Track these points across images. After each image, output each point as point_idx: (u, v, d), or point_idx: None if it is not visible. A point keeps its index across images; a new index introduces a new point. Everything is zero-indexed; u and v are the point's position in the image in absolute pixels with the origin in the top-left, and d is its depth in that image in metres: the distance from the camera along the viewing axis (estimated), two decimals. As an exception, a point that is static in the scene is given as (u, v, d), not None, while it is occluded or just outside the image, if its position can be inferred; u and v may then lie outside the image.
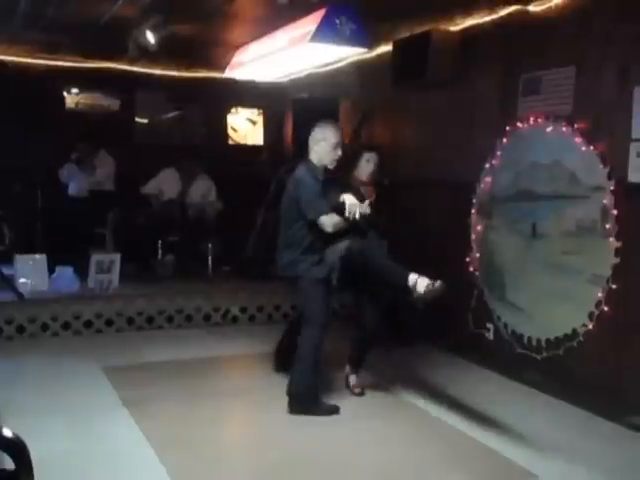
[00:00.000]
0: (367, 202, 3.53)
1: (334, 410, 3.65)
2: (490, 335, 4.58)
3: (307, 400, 3.63)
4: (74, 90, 7.15)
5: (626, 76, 3.61)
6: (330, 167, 3.69)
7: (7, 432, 1.32)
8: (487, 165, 4.61)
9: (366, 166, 4.13)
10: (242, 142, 7.94)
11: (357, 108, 6.13)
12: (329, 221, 3.56)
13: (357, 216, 3.41)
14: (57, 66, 6.73)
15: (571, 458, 3.18)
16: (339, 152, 3.65)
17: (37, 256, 5.46)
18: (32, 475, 1.32)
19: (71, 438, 3.28)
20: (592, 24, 3.81)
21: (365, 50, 4.82)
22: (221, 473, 2.98)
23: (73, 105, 7.17)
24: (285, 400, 3.86)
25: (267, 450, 3.21)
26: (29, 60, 6.60)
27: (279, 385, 4.11)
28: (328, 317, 3.66)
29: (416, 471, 3.01)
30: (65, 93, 7.12)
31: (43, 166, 6.34)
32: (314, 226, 3.59)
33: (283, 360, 4.11)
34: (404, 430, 3.48)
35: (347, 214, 3.42)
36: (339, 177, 3.85)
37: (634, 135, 3.55)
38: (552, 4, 4.05)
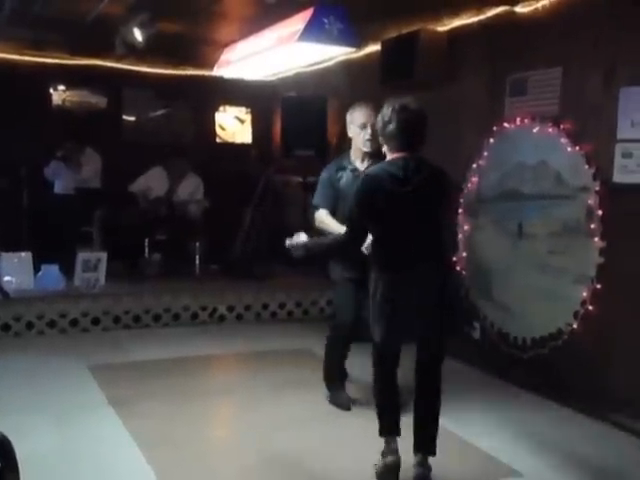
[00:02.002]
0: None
1: (343, 404, 3.65)
2: (476, 334, 4.61)
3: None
4: (61, 87, 7.09)
5: (612, 77, 3.65)
6: (365, 149, 3.53)
7: (-8, 431, 1.32)
8: (474, 165, 4.64)
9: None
10: (230, 140, 7.92)
11: (345, 107, 6.12)
12: (318, 219, 3.57)
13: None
14: (44, 63, 6.68)
15: (556, 456, 3.21)
16: (369, 132, 3.45)
17: (22, 254, 5.42)
18: (18, 473, 1.32)
19: (57, 437, 3.26)
20: (579, 26, 3.85)
21: (353, 49, 4.83)
22: (207, 472, 2.98)
23: (60, 102, 7.11)
24: (272, 399, 3.87)
25: (254, 449, 3.21)
26: (15, 57, 6.54)
27: (266, 384, 4.12)
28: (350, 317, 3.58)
29: (402, 470, 3.03)
30: (52, 90, 7.07)
31: (29, 163, 6.28)
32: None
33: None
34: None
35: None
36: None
37: (619, 136, 3.58)
38: (539, 5, 4.08)
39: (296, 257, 3.20)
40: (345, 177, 3.58)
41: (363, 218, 2.82)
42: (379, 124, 2.85)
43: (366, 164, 3.56)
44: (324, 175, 3.63)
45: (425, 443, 2.84)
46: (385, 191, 2.73)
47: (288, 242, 3.17)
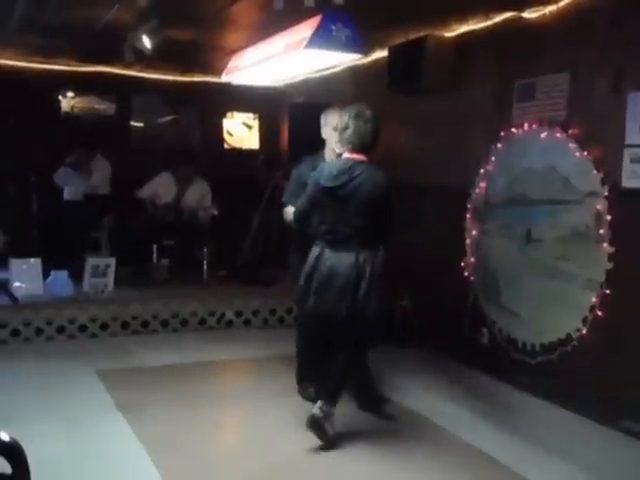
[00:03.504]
0: None
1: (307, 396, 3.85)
2: (485, 339, 4.59)
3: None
4: (70, 94, 7.14)
5: (620, 82, 3.64)
6: (338, 150, 3.61)
7: (4, 436, 1.32)
8: (482, 170, 4.64)
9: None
10: (238, 146, 7.94)
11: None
12: (286, 213, 3.73)
13: None
14: (53, 70, 6.73)
15: (565, 463, 3.19)
16: None
17: (32, 260, 5.44)
18: (29, 478, 1.32)
19: (66, 442, 3.27)
20: (586, 31, 3.84)
21: (360, 56, 4.84)
22: (214, 477, 2.99)
23: (68, 109, 7.16)
24: (279, 405, 3.87)
25: (261, 455, 3.21)
26: (25, 64, 6.59)
27: (273, 390, 4.12)
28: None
29: (407, 474, 3.02)
30: (60, 97, 7.11)
31: (38, 170, 6.32)
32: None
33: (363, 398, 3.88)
34: (397, 436, 3.48)
35: None
36: None
37: (628, 141, 3.57)
38: (546, 11, 4.08)
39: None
40: None
41: (308, 202, 3.41)
42: (338, 128, 3.35)
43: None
44: (294, 173, 3.78)
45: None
46: (322, 184, 3.30)
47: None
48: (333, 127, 3.61)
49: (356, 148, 3.28)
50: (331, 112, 3.68)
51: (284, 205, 3.80)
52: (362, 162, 3.29)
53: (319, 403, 3.27)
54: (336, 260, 3.26)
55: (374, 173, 3.30)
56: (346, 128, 3.26)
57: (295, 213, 3.50)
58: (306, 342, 3.87)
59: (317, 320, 3.48)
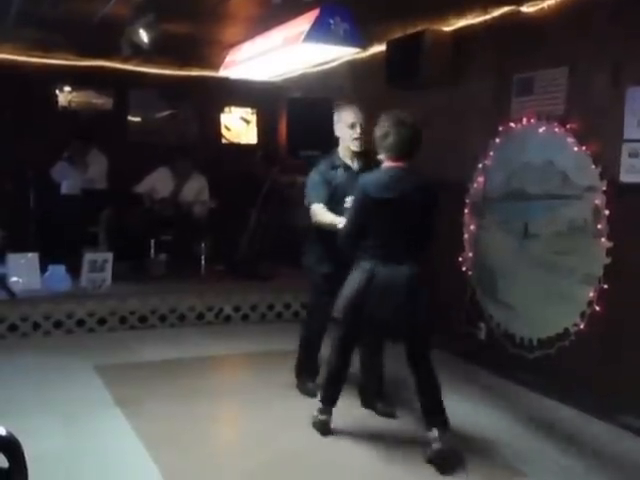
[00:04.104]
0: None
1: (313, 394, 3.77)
2: (482, 334, 4.60)
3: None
4: (67, 88, 7.11)
5: (618, 77, 3.64)
6: (354, 148, 3.58)
7: (1, 430, 1.32)
8: (480, 165, 4.63)
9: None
10: (236, 141, 7.93)
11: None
12: (314, 214, 3.59)
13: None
14: (50, 64, 6.70)
15: (561, 457, 3.20)
16: (357, 131, 3.54)
17: (29, 255, 5.43)
18: (26, 473, 1.32)
19: (64, 436, 3.27)
20: (585, 25, 3.84)
21: (359, 50, 4.83)
22: (213, 472, 2.99)
23: (66, 103, 7.14)
24: (277, 399, 3.87)
25: (259, 449, 3.21)
26: (22, 58, 6.57)
27: (271, 385, 4.12)
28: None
29: (408, 470, 3.02)
30: (58, 91, 7.09)
31: (35, 164, 6.30)
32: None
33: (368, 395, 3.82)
34: (397, 428, 3.49)
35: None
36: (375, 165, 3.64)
37: (626, 135, 3.57)
38: (545, 5, 4.07)
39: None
40: (340, 175, 3.61)
41: (358, 220, 3.16)
42: (377, 135, 3.14)
43: (356, 163, 3.62)
44: (315, 176, 3.62)
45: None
46: (374, 197, 3.07)
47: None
48: (348, 124, 3.55)
49: (399, 155, 3.11)
50: (345, 109, 3.61)
51: (308, 205, 3.66)
52: (406, 169, 3.14)
53: (437, 434, 3.06)
54: (390, 275, 3.06)
55: (421, 180, 3.18)
56: (387, 135, 3.09)
57: (343, 236, 3.23)
58: (337, 352, 3.58)
59: (369, 336, 3.46)
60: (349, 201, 3.30)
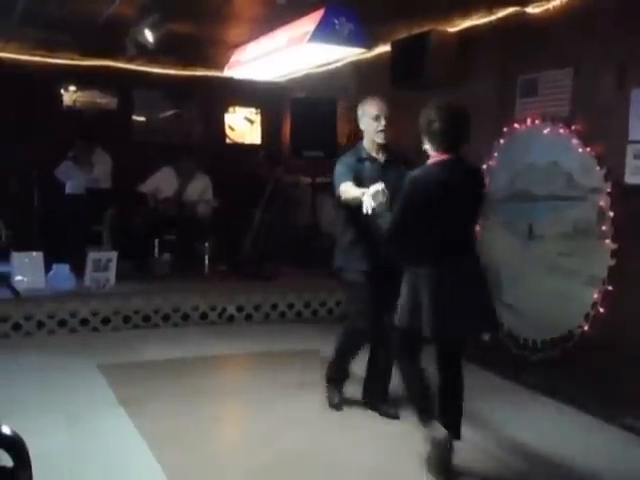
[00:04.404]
0: (378, 190, 3.01)
1: (336, 405, 3.67)
2: (486, 335, 4.58)
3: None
4: (72, 88, 7.13)
5: (623, 78, 3.63)
6: (379, 141, 3.50)
7: (5, 429, 1.32)
8: (484, 166, 4.62)
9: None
10: (240, 141, 7.94)
11: (355, 108, 6.12)
12: (343, 191, 3.38)
13: (370, 211, 3.06)
14: (55, 63, 6.72)
15: (564, 459, 3.19)
16: (382, 123, 3.45)
17: (34, 253, 5.44)
18: (30, 472, 1.32)
19: (67, 436, 3.28)
20: (590, 26, 3.83)
21: (363, 50, 4.83)
22: (216, 471, 2.99)
23: (70, 103, 7.16)
24: (280, 399, 3.87)
25: (262, 449, 3.21)
26: (27, 57, 6.59)
27: (274, 385, 4.12)
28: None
29: (411, 470, 3.02)
30: (62, 91, 7.11)
31: (40, 164, 6.32)
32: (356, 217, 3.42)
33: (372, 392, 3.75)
34: (399, 428, 3.48)
35: (364, 210, 3.07)
36: (403, 159, 3.57)
37: (631, 137, 3.56)
38: (550, 6, 4.07)
39: (374, 206, 3.03)
40: (368, 168, 3.52)
41: (410, 216, 2.87)
42: (423, 123, 2.90)
43: (382, 156, 3.55)
44: (342, 166, 3.51)
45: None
46: (430, 194, 2.82)
47: (379, 187, 2.99)
48: (372, 117, 3.47)
49: (448, 146, 2.86)
50: (369, 102, 3.53)
51: (335, 190, 3.48)
52: (461, 161, 2.92)
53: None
54: (459, 275, 2.84)
55: (470, 166, 2.99)
56: (435, 124, 2.83)
57: (391, 234, 2.93)
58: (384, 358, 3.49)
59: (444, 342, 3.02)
60: (378, 188, 3.00)
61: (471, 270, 2.91)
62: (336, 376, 3.77)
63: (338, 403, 3.72)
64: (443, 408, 2.99)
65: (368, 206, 3.00)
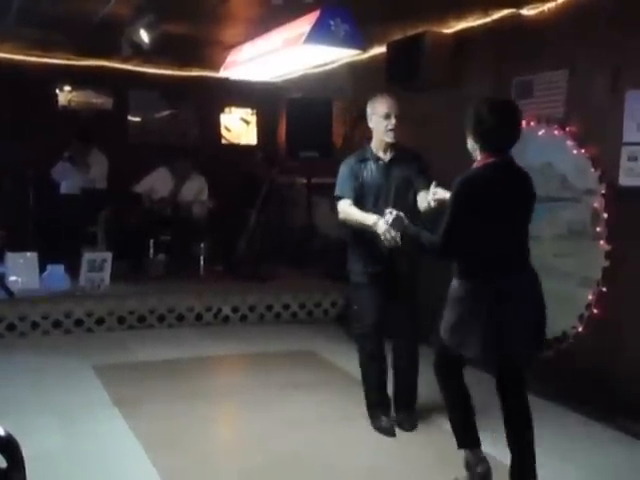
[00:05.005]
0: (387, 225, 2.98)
1: (387, 432, 3.42)
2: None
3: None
4: (67, 88, 7.12)
5: (618, 80, 3.65)
6: (388, 140, 3.41)
7: (-1, 430, 1.32)
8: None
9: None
10: (235, 142, 7.93)
11: (351, 109, 6.14)
12: (342, 210, 3.38)
13: (385, 240, 3.06)
14: (50, 63, 6.71)
15: (560, 460, 3.20)
16: (392, 122, 3.35)
17: (28, 254, 5.43)
18: (24, 474, 1.32)
19: (61, 437, 3.27)
20: (585, 28, 3.84)
21: (359, 51, 4.83)
22: (211, 473, 2.99)
23: (66, 103, 7.14)
24: (275, 401, 3.87)
25: (258, 451, 3.21)
26: (22, 57, 6.57)
27: (269, 386, 4.12)
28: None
29: (407, 473, 3.02)
30: (58, 91, 7.09)
31: (35, 164, 6.30)
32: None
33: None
34: (397, 434, 3.48)
35: (382, 236, 3.06)
36: (413, 157, 3.51)
37: (625, 139, 3.58)
38: (545, 8, 4.08)
39: (389, 236, 3.00)
40: (369, 168, 3.45)
41: (462, 226, 2.58)
42: (471, 122, 2.65)
43: (389, 155, 3.46)
44: (344, 168, 3.48)
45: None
46: (485, 197, 2.58)
47: (392, 212, 2.92)
48: (382, 115, 3.38)
49: (503, 147, 2.64)
50: (379, 100, 3.44)
51: (336, 200, 3.45)
52: (513, 163, 2.70)
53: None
54: (517, 289, 2.61)
55: (527, 174, 2.71)
56: (486, 122, 2.58)
57: (442, 241, 2.60)
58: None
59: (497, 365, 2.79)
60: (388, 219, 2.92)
61: (527, 284, 2.66)
62: (373, 401, 3.53)
63: (385, 426, 3.44)
64: (513, 447, 2.72)
65: (389, 239, 2.98)
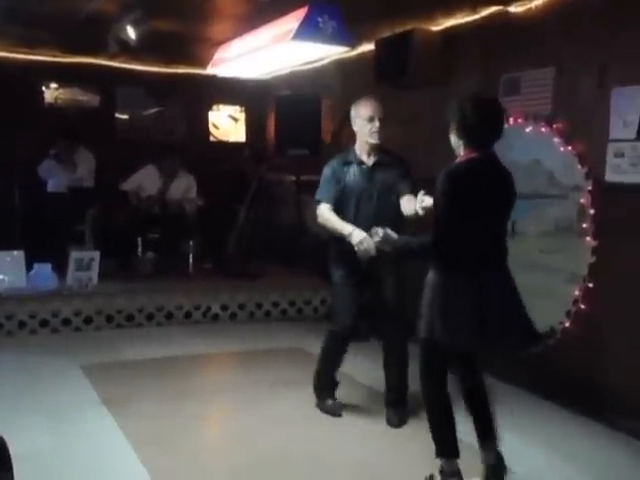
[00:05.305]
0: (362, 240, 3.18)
1: (333, 412, 3.60)
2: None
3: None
4: (53, 85, 7.06)
5: (604, 77, 3.67)
6: (373, 141, 3.41)
7: (-14, 430, 1.31)
8: (467, 164, 4.65)
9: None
10: (224, 139, 7.90)
11: (339, 106, 6.13)
12: (321, 215, 3.45)
13: (358, 252, 3.21)
14: (36, 60, 6.64)
15: (549, 455, 3.23)
16: (377, 124, 3.37)
17: (15, 252, 5.38)
18: (12, 473, 1.31)
19: (50, 436, 3.25)
20: (572, 25, 3.86)
21: (347, 49, 4.83)
22: (200, 471, 2.98)
23: (52, 100, 7.08)
24: (265, 398, 3.87)
25: (247, 448, 3.21)
26: (7, 54, 6.51)
27: (259, 383, 4.12)
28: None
29: (396, 468, 3.04)
30: (44, 88, 7.03)
31: (21, 162, 6.25)
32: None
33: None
34: (384, 428, 3.50)
35: (355, 247, 3.22)
36: (397, 161, 3.54)
37: (611, 136, 3.61)
38: (532, 5, 4.10)
39: (362, 248, 3.16)
40: (352, 172, 3.47)
41: (453, 220, 2.59)
42: (456, 117, 2.65)
43: (373, 158, 3.47)
44: (327, 170, 3.50)
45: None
46: (473, 190, 2.59)
47: (379, 232, 2.92)
48: (366, 118, 3.40)
49: (486, 142, 2.66)
50: (363, 103, 3.45)
51: (317, 203, 3.50)
52: (495, 158, 2.71)
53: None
54: (497, 284, 2.63)
55: (508, 172, 2.73)
56: (470, 118, 2.59)
57: (434, 241, 2.64)
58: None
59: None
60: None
61: (507, 281, 2.68)
62: (324, 384, 3.68)
63: (333, 409, 3.61)
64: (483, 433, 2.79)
65: (362, 251, 3.16)
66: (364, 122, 3.41)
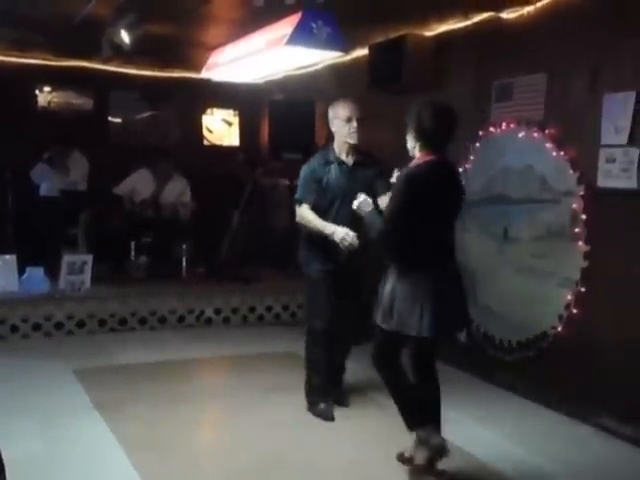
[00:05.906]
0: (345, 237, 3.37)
1: (326, 416, 3.62)
2: (462, 337, 4.63)
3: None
4: (47, 88, 7.04)
5: (596, 83, 3.70)
6: (351, 141, 3.52)
7: (-22, 435, 1.31)
8: (460, 169, 4.67)
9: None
10: (218, 143, 7.90)
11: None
12: (301, 215, 3.57)
13: (343, 247, 3.40)
14: (30, 64, 6.63)
15: (538, 459, 3.24)
16: (354, 125, 3.49)
17: (7, 256, 5.36)
18: (4, 477, 1.31)
19: (42, 441, 3.24)
20: (563, 31, 3.89)
21: (341, 54, 4.85)
22: (193, 476, 2.98)
23: (45, 104, 7.06)
24: (258, 402, 3.87)
25: (240, 453, 3.20)
26: (0, 57, 6.49)
27: (252, 387, 4.12)
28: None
29: (390, 470, 3.04)
30: (37, 91, 7.02)
31: (14, 165, 6.23)
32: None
33: None
34: (376, 430, 3.50)
35: (340, 243, 3.39)
36: (374, 161, 3.65)
37: (603, 141, 3.63)
38: (525, 12, 4.13)
39: (347, 243, 3.37)
40: (333, 171, 3.57)
41: (407, 217, 2.78)
42: (412, 121, 2.86)
43: (352, 158, 3.59)
44: (306, 170, 3.60)
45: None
46: (427, 192, 2.79)
47: (361, 197, 3.02)
48: (344, 119, 3.50)
49: (439, 146, 2.85)
50: (341, 104, 3.55)
51: (297, 203, 3.60)
52: (447, 162, 2.92)
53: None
54: (447, 278, 2.87)
55: (458, 172, 3.05)
56: (426, 122, 2.79)
57: (385, 231, 2.82)
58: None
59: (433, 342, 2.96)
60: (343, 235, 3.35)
61: (456, 272, 2.97)
62: (314, 389, 3.70)
63: (328, 413, 3.63)
64: (425, 407, 2.98)
65: (346, 246, 3.35)
66: (342, 123, 3.53)
